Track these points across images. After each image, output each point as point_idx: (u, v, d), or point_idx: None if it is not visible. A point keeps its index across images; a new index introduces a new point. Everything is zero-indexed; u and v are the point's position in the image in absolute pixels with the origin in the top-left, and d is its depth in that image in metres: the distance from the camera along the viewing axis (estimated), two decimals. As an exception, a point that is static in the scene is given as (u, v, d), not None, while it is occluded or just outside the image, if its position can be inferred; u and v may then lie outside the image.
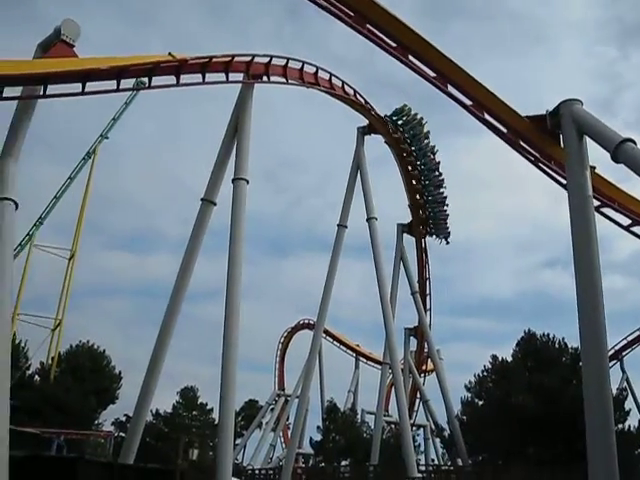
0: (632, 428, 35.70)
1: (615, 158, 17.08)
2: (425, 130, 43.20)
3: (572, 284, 17.91)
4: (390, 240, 47.66)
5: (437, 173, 44.91)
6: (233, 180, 26.18)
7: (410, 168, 43.51)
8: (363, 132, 40.09)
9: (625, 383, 59.08)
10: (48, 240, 53.91)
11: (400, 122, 42.11)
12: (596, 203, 22.49)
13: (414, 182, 44.31)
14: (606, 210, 24.90)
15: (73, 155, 56.81)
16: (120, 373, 51.56)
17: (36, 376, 48.76)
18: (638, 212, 25.62)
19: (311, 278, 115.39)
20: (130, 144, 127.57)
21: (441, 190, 45.53)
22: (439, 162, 44.69)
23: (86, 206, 54.68)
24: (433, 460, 57.23)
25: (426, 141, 43.23)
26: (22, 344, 46.39)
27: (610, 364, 52.99)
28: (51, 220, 53.79)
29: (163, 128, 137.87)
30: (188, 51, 24.60)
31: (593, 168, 20.57)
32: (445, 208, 46.25)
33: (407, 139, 42.28)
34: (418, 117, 42.75)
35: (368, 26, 21.35)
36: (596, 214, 20.68)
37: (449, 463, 47.77)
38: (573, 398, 30.28)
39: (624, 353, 61.20)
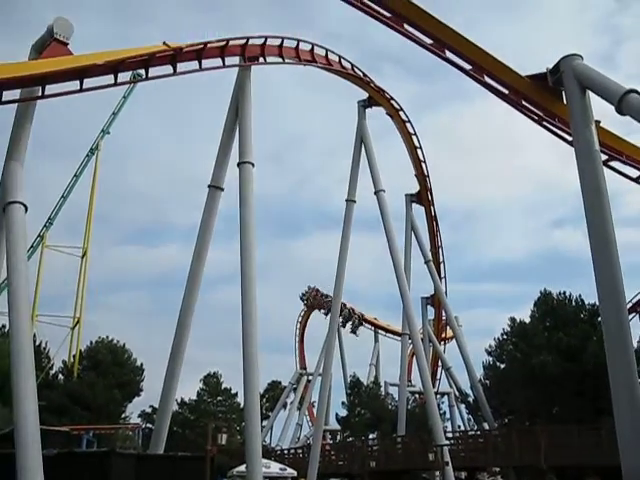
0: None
1: (620, 110, 16.97)
2: None
3: (584, 242, 17.89)
4: (400, 211, 47.73)
5: None
6: (239, 164, 26.10)
7: (413, 137, 43.28)
8: (364, 105, 39.78)
9: (646, 335, 59.03)
10: (59, 240, 54.27)
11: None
12: (604, 157, 22.35)
13: (418, 151, 44.10)
14: (614, 164, 24.70)
15: (77, 153, 56.69)
16: (142, 365, 52.02)
17: (60, 375, 49.28)
18: (647, 163, 25.45)
19: (324, 255, 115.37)
20: (134, 137, 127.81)
21: None
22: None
23: (94, 203, 54.93)
24: (459, 426, 57.52)
25: None
26: (43, 344, 46.89)
27: (630, 317, 52.94)
28: (61, 219, 54.14)
29: (165, 119, 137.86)
30: (181, 41, 24.50)
31: (598, 122, 20.42)
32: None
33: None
34: None
35: (361, -2, 21.22)
36: (604, 168, 20.61)
37: (475, 428, 47.98)
38: (594, 354, 30.45)
39: (642, 305, 61.09)
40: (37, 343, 43.44)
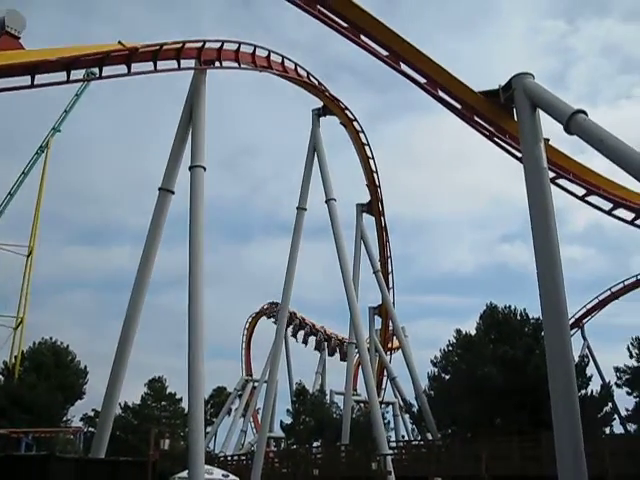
0: (594, 393, 36.56)
1: (568, 130, 17.31)
2: None
3: (531, 257, 18.19)
4: (351, 221, 47.94)
5: None
6: (190, 168, 25.94)
7: (366, 147, 43.54)
8: (318, 114, 39.91)
9: (586, 350, 60.38)
10: (5, 238, 53.11)
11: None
12: (551, 175, 22.80)
13: (371, 161, 44.41)
14: (561, 181, 25.23)
15: (26, 150, 55.73)
16: (86, 368, 51.30)
17: (0, 376, 48.21)
18: (592, 182, 26.05)
19: (274, 263, 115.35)
20: (86, 136, 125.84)
21: None
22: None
23: (42, 201, 53.98)
24: (403, 436, 57.92)
25: None
26: (-17, 345, 45.91)
27: (572, 332, 54.23)
28: (7, 217, 53.01)
29: (119, 118, 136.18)
30: (139, 41, 24.31)
31: (547, 140, 20.83)
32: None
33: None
34: None
35: (319, 7, 21.26)
36: (552, 186, 21.03)
37: (419, 438, 48.33)
38: (536, 367, 31.01)
39: (584, 321, 62.66)
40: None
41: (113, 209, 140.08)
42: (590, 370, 40.06)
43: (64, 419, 50.04)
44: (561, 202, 26.65)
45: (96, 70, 23.40)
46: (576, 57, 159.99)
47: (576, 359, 36.60)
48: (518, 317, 38.76)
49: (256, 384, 65.74)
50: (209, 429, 67.90)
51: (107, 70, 23.17)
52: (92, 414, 54.13)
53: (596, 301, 61.43)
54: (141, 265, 27.19)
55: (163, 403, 56.92)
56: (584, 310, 62.09)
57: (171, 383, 58.45)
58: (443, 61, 21.58)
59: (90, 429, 51.82)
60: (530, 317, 38.10)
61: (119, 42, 23.30)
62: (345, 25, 21.58)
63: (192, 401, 23.12)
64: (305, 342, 72.03)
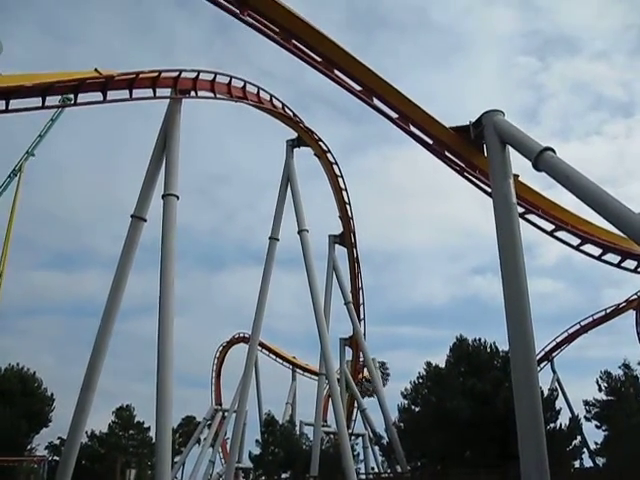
0: (563, 426, 36.71)
1: (536, 166, 17.69)
2: None
3: (501, 289, 18.41)
4: (323, 251, 48.07)
5: None
6: (163, 196, 25.91)
7: (339, 179, 43.86)
8: (292, 145, 40.19)
9: (556, 383, 60.68)
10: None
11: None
12: (521, 210, 23.23)
13: (344, 193, 44.69)
14: (531, 217, 25.67)
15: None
16: (52, 395, 50.55)
17: (-37, 403, 47.34)
18: (561, 218, 26.56)
19: (245, 292, 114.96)
20: (60, 161, 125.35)
21: None
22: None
23: (13, 225, 53.46)
24: (373, 468, 57.71)
25: None
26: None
27: (541, 365, 54.36)
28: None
29: (93, 144, 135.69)
30: (116, 68, 24.47)
31: (516, 176, 21.23)
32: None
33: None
34: None
35: (294, 41, 21.53)
36: (521, 220, 21.40)
37: (389, 470, 48.14)
38: (505, 400, 31.06)
39: (554, 354, 62.95)
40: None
41: (85, 234, 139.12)
42: (559, 403, 40.24)
43: (28, 447, 49.18)
44: (532, 236, 26.96)
45: (72, 96, 23.50)
46: (548, 94, 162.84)
47: (545, 392, 36.81)
48: (487, 350, 38.93)
49: (226, 413, 65.23)
50: (177, 459, 67.12)
51: (83, 97, 23.32)
52: (58, 442, 53.30)
53: (566, 334, 61.75)
54: (111, 291, 26.95)
55: (131, 432, 56.19)
56: (554, 343, 62.35)
57: (139, 411, 57.88)
58: (417, 96, 22.03)
59: (55, 458, 50.97)
60: (500, 350, 38.30)
61: (95, 69, 23.47)
62: (319, 59, 21.92)
63: (160, 430, 22.79)
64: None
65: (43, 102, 21.90)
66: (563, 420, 37.73)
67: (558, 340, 62.32)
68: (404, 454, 41.39)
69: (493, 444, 33.14)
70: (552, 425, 34.46)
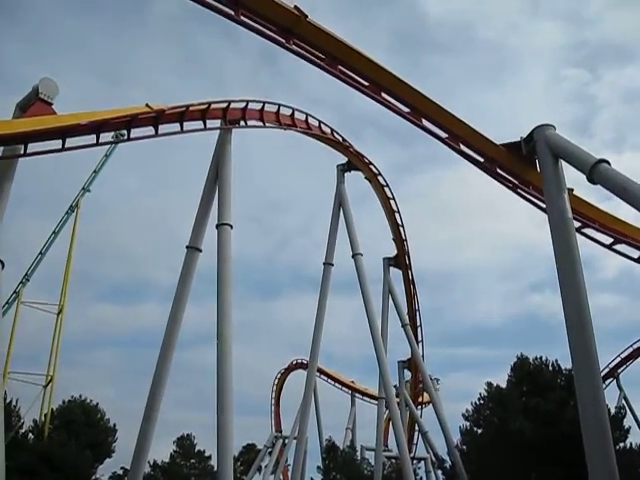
0: (634, 445, 35.59)
1: (591, 179, 17.41)
2: None
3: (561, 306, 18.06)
4: (378, 274, 47.86)
5: None
6: (217, 226, 26.24)
7: (391, 201, 43.76)
8: (343, 169, 40.32)
9: (623, 401, 59.04)
10: (36, 296, 53.66)
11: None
12: (577, 224, 22.79)
13: (396, 215, 44.56)
14: (587, 231, 25.17)
15: (57, 210, 56.57)
16: (115, 426, 51.12)
17: (30, 434, 48.19)
18: (619, 230, 25.93)
19: (302, 318, 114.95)
20: (115, 196, 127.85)
21: None
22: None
23: (72, 260, 54.61)
24: (436, 492, 56.74)
25: None
26: (14, 403, 45.95)
27: (606, 382, 52.90)
28: (38, 276, 53.65)
29: (147, 177, 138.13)
30: (166, 101, 24.99)
31: (571, 190, 20.90)
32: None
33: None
34: None
35: (340, 67, 21.63)
36: (578, 235, 21.00)
37: (453, 494, 47.31)
38: (571, 420, 30.26)
39: (619, 370, 61.21)
40: (8, 401, 42.57)
41: (141, 267, 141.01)
42: (628, 422, 39.07)
43: (93, 478, 49.76)
44: (590, 250, 26.39)
45: (125, 132, 24.06)
46: (599, 104, 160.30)
47: (612, 410, 35.81)
48: (550, 368, 38.07)
49: (286, 440, 65.07)
50: (239, 487, 67.17)
51: (135, 132, 23.85)
52: (121, 472, 53.90)
53: (630, 349, 60.17)
54: (169, 322, 27.30)
55: (192, 461, 56.48)
56: (618, 359, 60.77)
57: (200, 440, 58.11)
58: (465, 114, 21.89)
59: (119, 488, 51.59)
60: (563, 368, 37.44)
61: (147, 104, 24.00)
62: (366, 83, 21.99)
63: (221, 459, 22.86)
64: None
65: (97, 139, 22.47)
66: (633, 439, 36.61)
67: (623, 356, 60.67)
68: (468, 477, 40.65)
69: (560, 466, 32.32)
70: (621, 445, 33.47)
